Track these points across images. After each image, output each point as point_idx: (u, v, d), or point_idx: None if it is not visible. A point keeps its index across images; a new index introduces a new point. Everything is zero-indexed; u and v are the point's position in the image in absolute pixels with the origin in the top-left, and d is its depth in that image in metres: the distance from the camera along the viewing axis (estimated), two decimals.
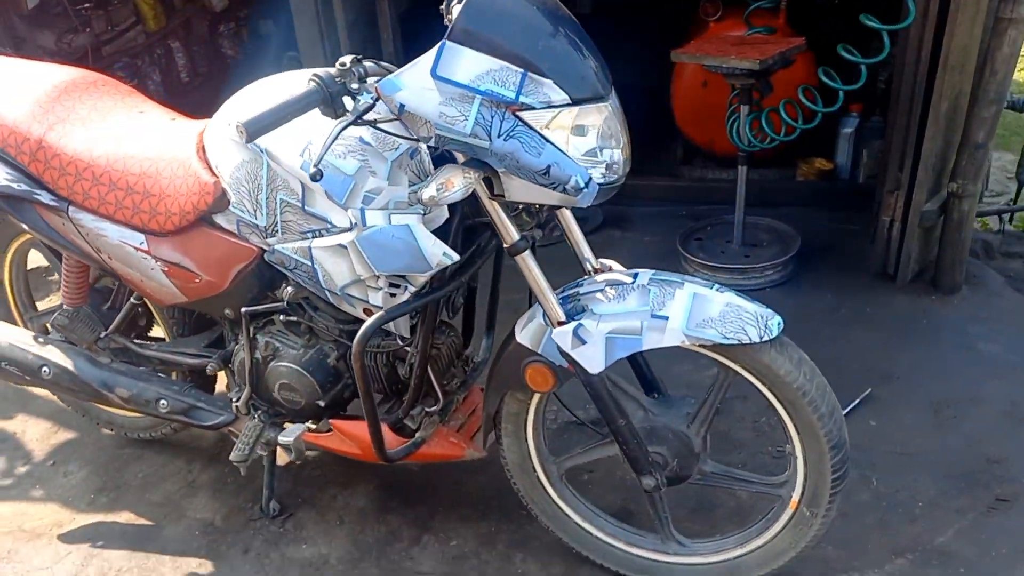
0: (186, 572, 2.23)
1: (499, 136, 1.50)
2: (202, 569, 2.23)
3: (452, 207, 1.77)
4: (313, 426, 2.12)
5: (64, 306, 2.34)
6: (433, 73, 1.48)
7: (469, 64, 1.49)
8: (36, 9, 4.47)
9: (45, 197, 2.08)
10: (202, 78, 5.52)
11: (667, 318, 1.67)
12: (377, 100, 1.52)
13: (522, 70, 1.50)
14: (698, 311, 1.67)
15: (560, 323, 1.73)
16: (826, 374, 1.75)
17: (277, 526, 2.36)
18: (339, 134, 1.49)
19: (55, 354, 2.32)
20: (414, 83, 1.49)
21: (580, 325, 1.71)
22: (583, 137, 1.57)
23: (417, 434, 2.05)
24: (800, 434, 1.77)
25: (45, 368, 2.31)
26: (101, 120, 2.09)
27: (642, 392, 1.95)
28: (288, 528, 2.35)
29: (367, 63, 1.56)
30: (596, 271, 1.88)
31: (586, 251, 1.89)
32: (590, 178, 1.57)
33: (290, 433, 2.04)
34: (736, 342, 1.66)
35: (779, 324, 1.68)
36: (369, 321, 1.78)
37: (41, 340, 2.35)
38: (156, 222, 1.98)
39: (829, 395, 1.74)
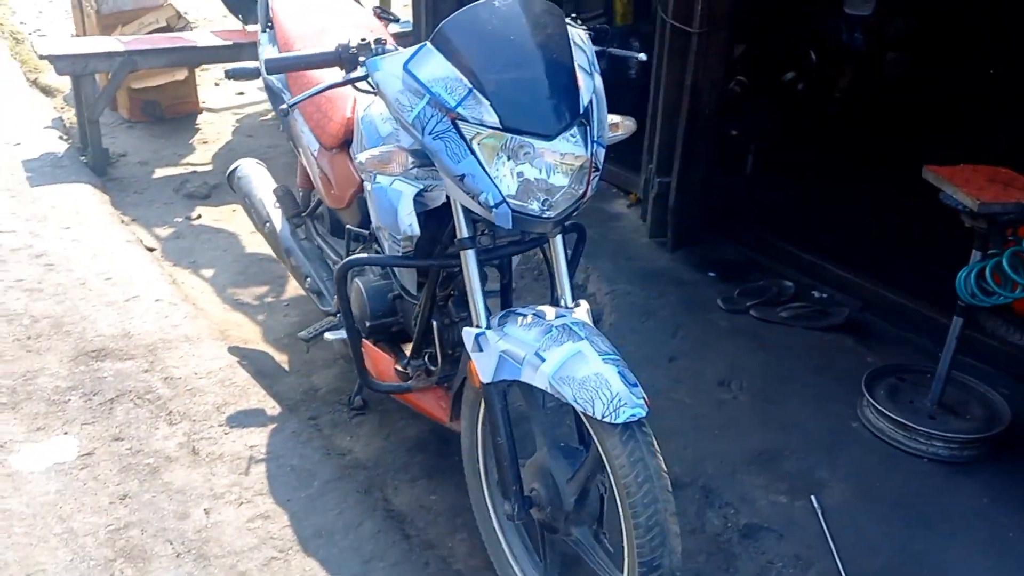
0: (261, 407, 2.80)
1: (429, 134, 1.71)
2: (272, 412, 2.79)
3: None
4: None
5: (298, 185, 3.03)
6: (405, 66, 1.74)
7: (433, 67, 1.72)
8: None
9: (286, 97, 2.74)
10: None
11: (544, 361, 1.73)
12: (367, 74, 1.82)
13: (471, 86, 1.68)
14: (569, 367, 1.70)
15: (477, 326, 1.88)
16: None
17: (348, 416, 2.82)
18: (322, 90, 1.83)
19: (276, 216, 3.02)
20: (388, 68, 1.76)
21: (482, 334, 1.84)
22: (526, 166, 1.70)
23: (410, 382, 2.33)
24: (625, 533, 1.70)
25: (268, 223, 3.03)
26: None
27: (568, 433, 1.99)
28: (351, 422, 2.80)
29: (389, 45, 1.86)
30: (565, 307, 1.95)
31: (566, 289, 1.96)
32: (502, 200, 1.69)
33: (334, 333, 2.47)
34: (582, 409, 1.66)
35: (633, 415, 1.64)
36: (347, 258, 2.10)
37: (276, 204, 3.07)
38: (323, 138, 2.51)
39: (661, 513, 1.65)
